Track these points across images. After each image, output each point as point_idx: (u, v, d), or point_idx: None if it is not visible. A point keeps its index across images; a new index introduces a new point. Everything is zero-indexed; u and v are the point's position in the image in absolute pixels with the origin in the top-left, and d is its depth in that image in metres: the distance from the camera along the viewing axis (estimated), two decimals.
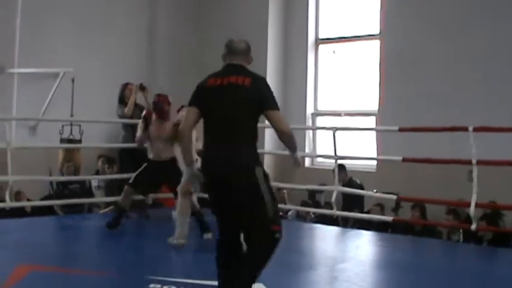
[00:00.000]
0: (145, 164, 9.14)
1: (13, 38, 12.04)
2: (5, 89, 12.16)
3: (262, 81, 5.12)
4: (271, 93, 5.02)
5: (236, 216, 4.95)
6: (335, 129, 10.11)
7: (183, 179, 8.00)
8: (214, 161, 4.97)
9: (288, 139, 5.06)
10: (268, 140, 13.34)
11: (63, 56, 12.55)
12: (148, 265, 6.89)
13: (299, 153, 13.42)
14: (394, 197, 9.76)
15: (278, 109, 5.00)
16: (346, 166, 11.56)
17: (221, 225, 5.14)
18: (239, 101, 4.95)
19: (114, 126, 12.01)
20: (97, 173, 12.11)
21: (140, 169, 9.11)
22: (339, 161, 10.47)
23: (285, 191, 12.25)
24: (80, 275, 6.34)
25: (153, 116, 9.08)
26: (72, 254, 7.64)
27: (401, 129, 9.71)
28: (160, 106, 9.00)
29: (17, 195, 11.19)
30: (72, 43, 12.84)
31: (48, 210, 10.99)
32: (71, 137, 12.16)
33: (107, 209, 11.25)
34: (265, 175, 4.97)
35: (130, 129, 10.48)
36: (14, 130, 10.85)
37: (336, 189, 10.08)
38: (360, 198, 11.22)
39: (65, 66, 12.26)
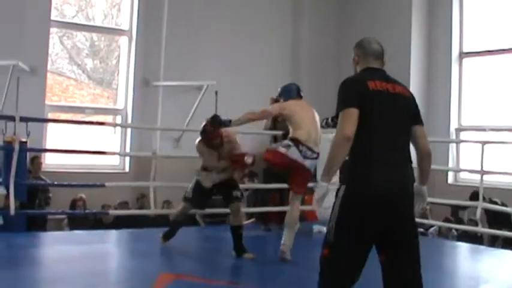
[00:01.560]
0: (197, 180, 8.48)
1: (159, 52, 12.38)
2: (150, 101, 12.54)
3: (413, 96, 4.61)
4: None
5: None
6: (484, 143, 9.83)
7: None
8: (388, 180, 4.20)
9: (430, 162, 4.58)
10: (411, 153, 13.17)
11: (207, 69, 12.83)
12: (287, 280, 6.88)
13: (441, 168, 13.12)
14: None
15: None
16: (490, 183, 11.23)
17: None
18: (407, 113, 4.44)
19: (260, 138, 12.06)
20: None
21: (194, 184, 8.47)
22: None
23: (428, 206, 12.03)
24: (222, 286, 6.40)
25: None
26: (214, 264, 7.72)
27: None
28: (207, 135, 8.08)
29: (167, 205, 11.52)
30: (215, 57, 13.11)
31: (190, 220, 11.19)
32: None
33: (248, 221, 11.33)
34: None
35: (274, 141, 10.52)
36: (158, 141, 11.10)
37: (480, 205, 9.77)
38: (506, 216, 10.87)
39: (209, 80, 12.48)
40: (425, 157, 4.54)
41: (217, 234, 10.04)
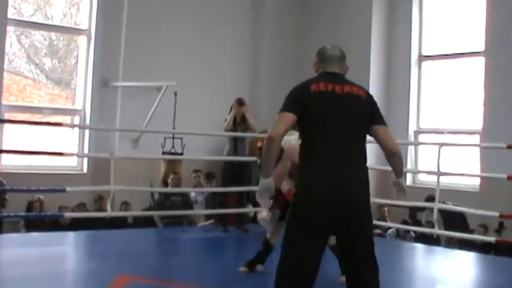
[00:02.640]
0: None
1: (118, 52, 12.28)
2: (109, 102, 12.45)
3: (371, 96, 4.64)
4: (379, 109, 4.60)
5: None
6: (441, 145, 9.91)
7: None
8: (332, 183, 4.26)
9: (399, 159, 4.61)
10: (370, 155, 13.25)
11: (166, 70, 12.78)
12: (246, 280, 6.87)
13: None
14: (496, 214, 9.42)
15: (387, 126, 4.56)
16: (446, 185, 11.34)
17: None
18: (358, 113, 4.44)
19: (219, 140, 12.06)
20: (194, 187, 12.23)
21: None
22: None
23: (386, 208, 12.13)
24: None
25: None
26: (172, 266, 7.69)
27: (509, 146, 9.40)
28: None
29: (125, 206, 11.48)
30: (175, 58, 13.08)
31: (149, 222, 11.16)
32: (173, 150, 12.32)
33: (206, 223, 11.33)
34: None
35: (233, 142, 10.50)
36: (117, 142, 11.03)
37: (436, 206, 9.85)
38: (463, 218, 10.98)
39: (168, 80, 12.43)
40: (392, 155, 4.57)
41: (174, 235, 10.03)
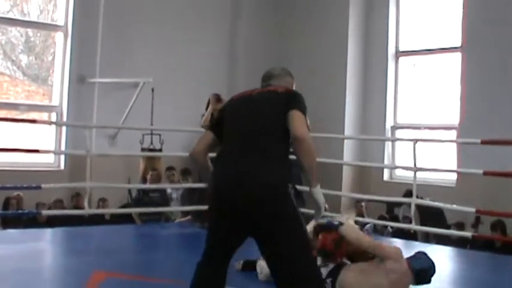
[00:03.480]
0: None
1: (95, 49, 12.26)
2: (86, 98, 12.40)
3: (295, 92, 4.52)
4: (301, 100, 4.39)
5: None
6: (415, 141, 9.95)
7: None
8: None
9: (303, 149, 4.14)
10: (347, 150, 13.37)
11: (143, 66, 12.74)
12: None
13: (379, 166, 13.28)
14: (473, 209, 9.45)
15: (303, 112, 4.26)
16: (424, 180, 11.42)
17: None
18: (268, 107, 4.34)
19: (197, 136, 11.96)
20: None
21: None
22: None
23: (363, 203, 12.17)
24: (154, 283, 6.35)
25: None
26: (148, 262, 7.66)
27: (483, 142, 9.42)
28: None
29: (102, 203, 11.44)
30: (152, 54, 13.05)
31: (127, 218, 11.13)
32: (151, 146, 12.29)
33: (184, 219, 11.31)
34: None
35: None
36: (94, 139, 11.00)
37: (414, 201, 9.87)
38: (439, 213, 11.03)
39: (145, 77, 12.40)
40: (293, 141, 4.17)
41: (152, 231, 10.00)
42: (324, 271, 5.26)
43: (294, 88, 4.69)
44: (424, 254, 5.56)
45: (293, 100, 4.34)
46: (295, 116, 4.19)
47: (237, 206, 4.17)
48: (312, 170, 4.19)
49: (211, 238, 4.50)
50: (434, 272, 5.47)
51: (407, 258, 5.44)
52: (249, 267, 6.44)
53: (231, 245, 4.45)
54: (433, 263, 5.47)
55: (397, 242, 10.13)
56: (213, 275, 4.44)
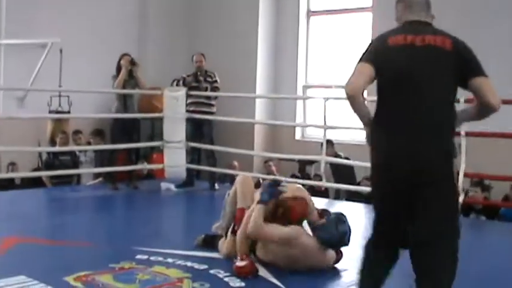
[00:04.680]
0: None
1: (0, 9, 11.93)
2: None
3: (463, 44, 3.92)
4: (476, 58, 3.87)
5: None
6: (326, 99, 10.04)
7: None
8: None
9: (484, 112, 3.91)
10: (259, 110, 13.42)
11: (51, 26, 12.41)
12: (136, 236, 6.85)
13: (290, 125, 13.33)
14: None
15: (487, 76, 3.82)
16: (336, 139, 11.57)
17: None
18: (440, 67, 3.84)
19: (106, 97, 11.83)
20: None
21: None
22: (328, 135, 10.38)
23: (271, 162, 12.26)
24: (66, 247, 6.29)
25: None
26: (60, 225, 7.59)
27: None
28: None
29: (12, 167, 11.23)
30: (60, 14, 12.72)
31: (38, 182, 10.96)
32: (60, 108, 12.08)
33: (96, 181, 11.23)
34: None
35: (123, 99, 10.33)
36: (1, 101, 10.76)
37: (323, 159, 9.98)
38: (350, 170, 11.20)
39: (53, 37, 12.13)
40: (486, 110, 3.88)
41: (63, 195, 9.90)
42: None
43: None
44: (337, 218, 5.61)
45: (468, 64, 3.88)
46: (481, 84, 3.82)
47: (408, 179, 3.83)
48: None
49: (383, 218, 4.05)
50: (345, 235, 5.52)
51: (316, 230, 5.55)
52: (209, 242, 6.20)
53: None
54: (343, 229, 5.52)
55: None
56: (390, 255, 4.10)
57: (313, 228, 5.59)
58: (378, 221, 4.07)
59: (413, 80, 3.82)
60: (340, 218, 5.57)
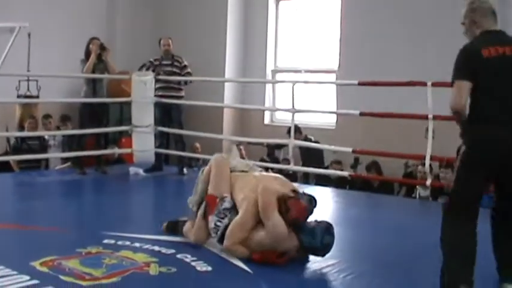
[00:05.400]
0: None
1: None
2: None
3: None
4: None
5: None
6: (294, 83, 10.06)
7: None
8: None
9: None
10: (228, 94, 13.44)
11: (19, 10, 12.32)
12: (103, 221, 6.85)
13: (259, 108, 13.37)
14: (349, 149, 9.59)
15: None
16: (306, 124, 11.63)
17: None
18: None
19: (75, 82, 11.76)
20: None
21: None
22: (297, 120, 10.38)
23: (241, 146, 12.29)
24: (34, 231, 6.26)
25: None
26: (27, 210, 7.57)
27: (360, 83, 9.59)
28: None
29: None
30: None
31: (5, 166, 10.89)
32: (28, 93, 12.00)
33: (64, 165, 11.19)
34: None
35: (92, 83, 10.29)
36: None
37: (291, 143, 10.01)
38: (319, 154, 11.26)
39: (21, 21, 12.03)
40: None
41: (31, 179, 9.85)
42: None
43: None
44: (326, 229, 5.40)
45: None
46: None
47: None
48: None
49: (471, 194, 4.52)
50: (327, 247, 5.38)
51: (301, 232, 5.35)
52: (172, 228, 6.16)
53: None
54: (328, 241, 5.36)
55: None
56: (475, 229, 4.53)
57: (298, 227, 5.36)
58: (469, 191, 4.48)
59: (506, 86, 4.39)
60: (329, 230, 5.38)
